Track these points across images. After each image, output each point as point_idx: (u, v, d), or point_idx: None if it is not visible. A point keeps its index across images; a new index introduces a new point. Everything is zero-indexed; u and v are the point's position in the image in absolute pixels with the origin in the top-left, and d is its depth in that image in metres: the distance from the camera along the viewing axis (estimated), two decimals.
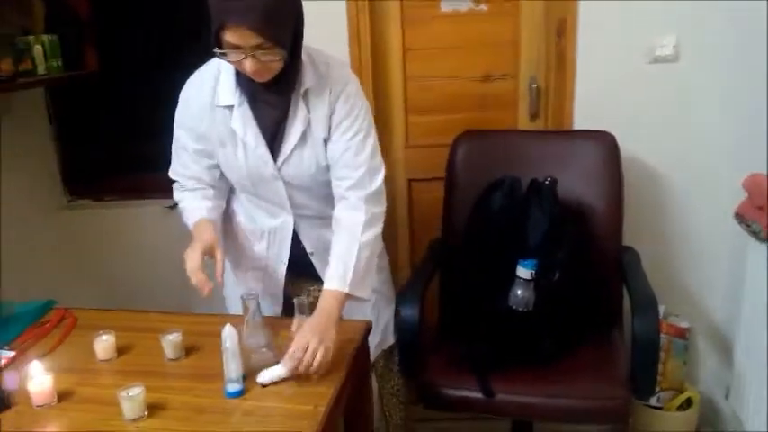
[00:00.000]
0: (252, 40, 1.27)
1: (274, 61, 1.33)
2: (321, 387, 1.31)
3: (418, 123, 2.35)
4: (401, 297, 1.76)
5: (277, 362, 1.34)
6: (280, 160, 1.49)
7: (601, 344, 1.84)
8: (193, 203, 1.58)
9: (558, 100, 2.20)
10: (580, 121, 2.16)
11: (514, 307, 1.61)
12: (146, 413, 1.24)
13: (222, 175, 1.60)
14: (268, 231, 1.63)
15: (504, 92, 2.29)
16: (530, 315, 1.63)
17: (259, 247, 1.65)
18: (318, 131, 1.48)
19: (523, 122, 2.30)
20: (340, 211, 1.50)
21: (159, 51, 2.36)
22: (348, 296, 1.43)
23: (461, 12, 2.23)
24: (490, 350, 1.65)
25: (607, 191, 1.94)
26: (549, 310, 1.63)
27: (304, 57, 1.45)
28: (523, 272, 1.59)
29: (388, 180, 2.35)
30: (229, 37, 1.27)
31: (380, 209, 1.53)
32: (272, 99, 1.45)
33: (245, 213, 1.66)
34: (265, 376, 1.32)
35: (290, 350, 1.31)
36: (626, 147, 2.00)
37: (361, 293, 1.47)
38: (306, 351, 1.30)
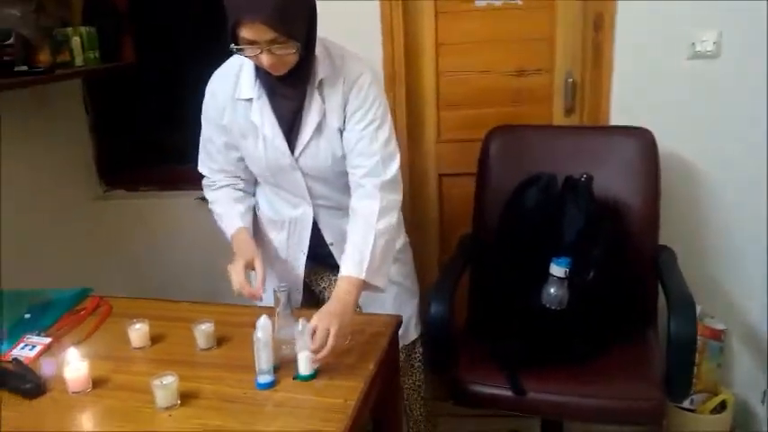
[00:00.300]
0: (266, 34, 1.30)
1: (289, 54, 1.36)
2: (351, 381, 1.30)
3: (450, 118, 2.33)
4: (431, 293, 1.75)
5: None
6: (297, 151, 1.53)
7: (635, 344, 1.80)
8: (227, 209, 1.64)
9: (594, 95, 2.16)
10: (616, 117, 2.12)
11: (547, 305, 1.59)
12: (178, 402, 1.25)
13: (247, 167, 1.64)
14: (289, 221, 1.66)
15: (538, 87, 2.26)
16: (563, 314, 1.60)
17: (280, 237, 1.69)
18: (333, 122, 1.51)
19: (558, 118, 2.27)
20: (356, 200, 1.53)
21: (195, 43, 2.38)
22: (364, 284, 1.44)
23: (496, 6, 2.20)
24: (522, 348, 1.63)
25: (644, 188, 1.90)
26: (582, 309, 1.61)
27: (319, 49, 1.48)
28: (557, 270, 1.56)
29: (419, 174, 2.38)
30: (245, 33, 1.31)
31: (396, 196, 1.55)
32: (288, 91, 1.48)
33: (268, 204, 1.69)
34: (302, 366, 1.31)
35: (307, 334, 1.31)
36: (663, 143, 1.95)
37: (377, 282, 1.47)
38: (321, 334, 1.32)
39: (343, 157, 1.53)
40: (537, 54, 2.23)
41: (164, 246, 2.47)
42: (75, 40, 1.97)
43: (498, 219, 1.79)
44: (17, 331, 1.55)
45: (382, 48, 2.19)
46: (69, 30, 1.96)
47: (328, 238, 1.65)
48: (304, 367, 1.31)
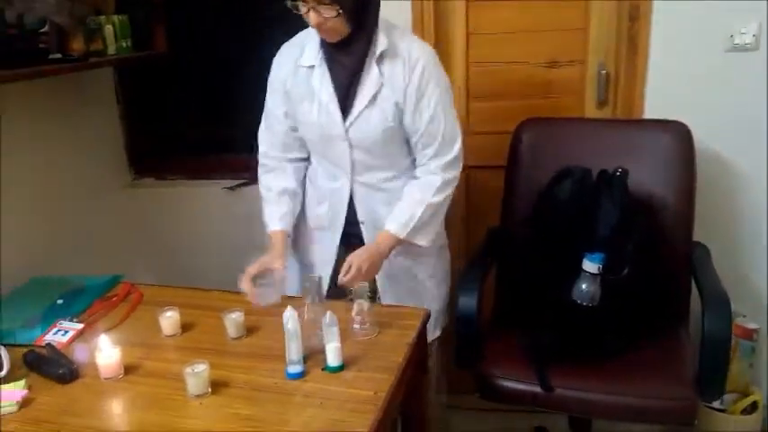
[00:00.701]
0: None
1: (332, 17, 1.44)
2: (381, 373, 1.30)
3: (480, 109, 2.30)
4: (458, 285, 1.73)
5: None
6: (349, 119, 1.59)
7: (666, 342, 1.77)
8: (271, 207, 1.72)
9: (629, 87, 2.12)
10: (651, 110, 2.08)
11: (579, 301, 1.56)
12: (209, 390, 1.26)
13: (302, 142, 1.73)
14: (329, 194, 1.71)
15: (570, 78, 2.22)
16: (593, 310, 1.58)
17: (320, 210, 1.75)
18: (390, 96, 1.57)
19: (590, 110, 2.23)
20: (418, 172, 1.65)
21: (227, 34, 2.39)
22: (403, 241, 1.60)
23: None
24: (551, 343, 1.61)
25: (679, 184, 1.86)
26: (614, 305, 1.58)
27: (384, 27, 1.57)
28: (590, 266, 1.53)
29: None
30: None
31: (456, 173, 1.66)
32: (346, 60, 1.56)
33: (313, 177, 1.76)
34: (331, 357, 1.31)
35: (327, 319, 1.33)
36: (699, 138, 1.91)
37: (419, 241, 1.64)
38: (354, 270, 1.51)
39: (393, 132, 1.60)
40: (569, 45, 2.19)
41: (191, 235, 2.49)
42: (108, 29, 1.97)
43: (530, 211, 1.77)
44: (50, 317, 1.57)
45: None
46: (102, 18, 1.97)
47: (361, 216, 1.69)
48: (333, 358, 1.31)
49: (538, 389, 1.61)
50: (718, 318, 1.55)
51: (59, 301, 1.65)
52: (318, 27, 1.47)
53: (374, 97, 1.56)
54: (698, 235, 1.91)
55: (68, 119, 2.19)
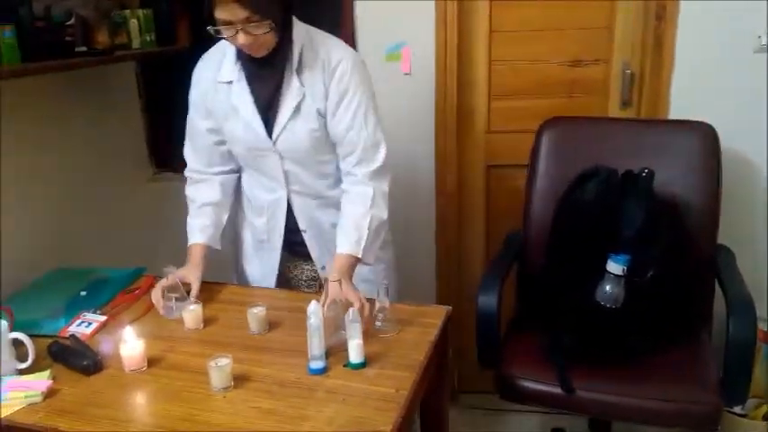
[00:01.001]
0: (240, 14, 1.34)
1: (264, 34, 1.39)
2: (403, 371, 1.29)
3: (501, 108, 2.30)
4: (479, 285, 1.73)
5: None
6: (275, 133, 1.55)
7: (689, 345, 1.76)
8: (193, 220, 1.71)
9: (653, 87, 2.10)
10: (676, 111, 2.06)
11: (602, 303, 1.55)
12: (232, 384, 1.26)
13: (230, 155, 1.68)
14: (267, 206, 1.68)
15: (594, 77, 2.20)
16: (617, 312, 1.56)
17: (260, 222, 1.72)
18: (312, 106, 1.52)
19: (614, 110, 2.21)
20: (348, 185, 1.59)
21: None
22: (357, 261, 1.54)
23: None
24: (573, 344, 1.60)
25: (704, 186, 1.84)
26: (638, 308, 1.56)
27: (300, 33, 1.51)
28: (614, 267, 1.52)
29: (467, 165, 2.35)
30: (220, 13, 1.35)
31: (387, 186, 1.60)
32: (266, 73, 1.51)
33: (249, 189, 1.72)
34: (353, 353, 1.31)
35: (350, 315, 1.31)
36: (724, 139, 1.88)
37: (368, 259, 1.57)
38: (364, 308, 1.41)
39: (321, 142, 1.56)
40: (594, 44, 2.17)
41: None
42: (133, 23, 1.99)
43: (553, 211, 1.75)
44: (74, 308, 1.58)
45: (435, 34, 2.16)
46: (127, 12, 1.98)
47: (302, 225, 1.67)
48: (355, 355, 1.31)
49: (558, 390, 1.60)
50: (744, 321, 1.53)
51: (83, 293, 1.66)
52: (248, 47, 1.42)
53: (297, 108, 1.51)
54: (722, 237, 1.89)
55: (91, 112, 2.21)
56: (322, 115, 1.54)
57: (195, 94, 1.63)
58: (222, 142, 1.66)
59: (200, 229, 1.68)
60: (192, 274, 1.60)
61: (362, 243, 1.52)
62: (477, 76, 2.27)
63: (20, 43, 1.55)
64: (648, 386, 1.58)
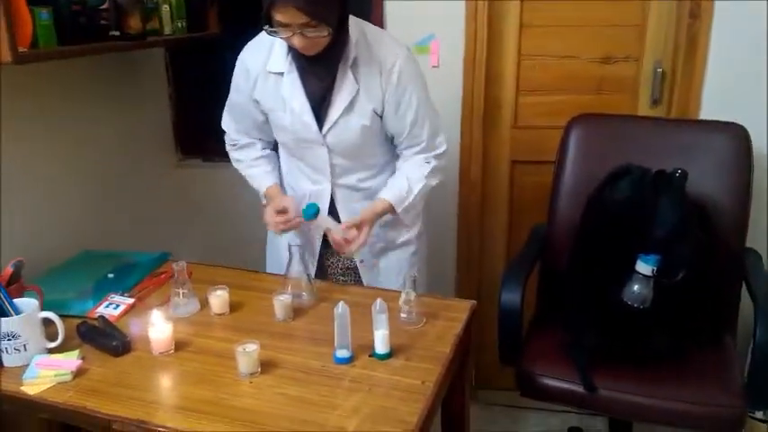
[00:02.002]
0: (299, 18, 1.33)
1: (321, 37, 1.39)
2: (428, 363, 1.30)
3: (529, 103, 2.28)
4: (503, 281, 1.72)
5: None
6: (325, 127, 1.55)
7: (713, 348, 1.74)
8: (255, 171, 1.72)
9: (685, 87, 2.08)
10: (708, 111, 2.04)
11: (629, 303, 1.53)
12: (259, 370, 1.27)
13: (271, 131, 1.69)
14: (308, 196, 1.68)
15: (624, 75, 2.18)
16: (643, 312, 1.55)
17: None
18: (366, 102, 1.53)
19: (643, 109, 2.19)
20: (409, 158, 1.64)
21: None
22: (393, 213, 1.61)
23: None
24: (597, 343, 1.59)
25: (734, 188, 1.81)
26: (664, 308, 1.55)
27: (355, 31, 1.50)
28: (644, 267, 1.50)
29: (492, 160, 2.34)
30: (278, 16, 1.35)
31: (445, 163, 1.67)
32: (320, 70, 1.51)
33: (291, 179, 1.73)
34: (379, 344, 1.32)
35: (377, 306, 1.33)
36: (756, 141, 1.86)
37: (407, 219, 1.66)
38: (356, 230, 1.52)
39: (372, 136, 1.59)
40: (625, 41, 2.15)
41: (236, 216, 2.51)
42: (165, 9, 1.99)
43: (579, 208, 1.74)
44: (101, 290, 1.60)
45: (464, 27, 2.15)
46: None
47: (343, 217, 1.66)
48: (381, 345, 1.32)
49: (581, 389, 1.59)
50: None
51: (110, 275, 1.68)
52: (304, 48, 1.42)
53: (351, 103, 1.52)
54: (750, 241, 1.87)
55: (120, 96, 2.22)
56: (377, 114, 1.55)
57: (241, 79, 1.63)
58: (265, 122, 1.67)
59: (266, 173, 1.71)
60: (283, 200, 1.61)
61: (406, 203, 1.60)
62: (506, 70, 2.25)
63: (56, 26, 1.56)
64: (672, 388, 1.57)
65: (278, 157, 1.77)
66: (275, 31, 1.39)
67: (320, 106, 1.54)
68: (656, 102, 2.16)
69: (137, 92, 2.32)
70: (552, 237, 1.96)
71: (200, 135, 2.55)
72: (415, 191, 1.61)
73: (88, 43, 1.67)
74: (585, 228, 1.68)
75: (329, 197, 1.66)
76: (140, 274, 1.71)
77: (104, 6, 1.76)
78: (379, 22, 2.20)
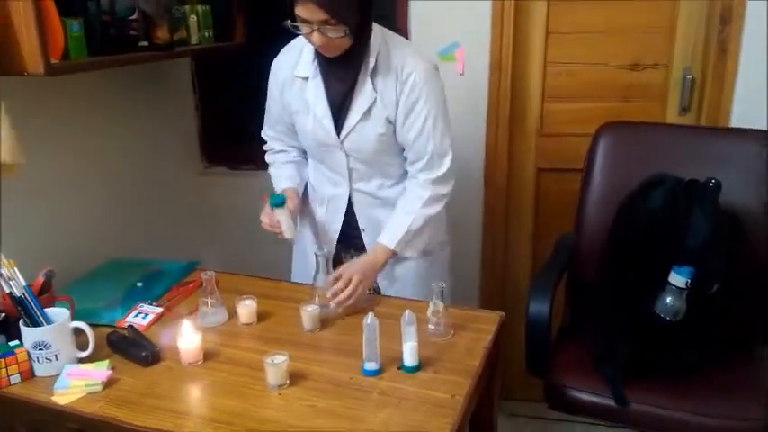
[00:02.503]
0: (318, 15, 1.37)
1: (339, 38, 1.41)
2: (457, 376, 1.29)
3: (555, 111, 2.26)
4: (530, 290, 1.70)
5: None
6: (343, 132, 1.59)
7: (745, 361, 1.70)
8: (279, 171, 1.77)
9: (715, 94, 2.04)
10: (738, 119, 2.00)
11: (662, 315, 1.51)
12: (288, 381, 1.26)
13: None
14: (328, 199, 1.73)
15: (653, 82, 2.15)
16: (675, 325, 1.52)
17: (319, 213, 1.77)
18: (382, 111, 1.55)
19: (672, 116, 2.15)
20: (409, 185, 1.64)
21: None
22: (395, 253, 1.61)
23: None
24: (628, 355, 1.57)
25: (765, 197, 1.77)
26: (699, 321, 1.52)
27: (377, 39, 1.53)
28: (677, 279, 1.47)
29: (517, 167, 2.32)
30: (299, 11, 1.39)
31: (446, 189, 1.64)
32: (341, 74, 1.55)
33: (314, 179, 1.78)
34: (408, 356, 1.31)
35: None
36: None
37: (407, 253, 1.66)
38: (347, 283, 1.51)
39: (389, 144, 1.60)
40: (654, 47, 2.12)
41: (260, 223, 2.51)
42: (192, 19, 2.00)
43: (608, 217, 1.72)
44: (130, 299, 1.61)
45: (490, 35, 2.14)
46: (187, 8, 2.00)
47: (361, 223, 1.71)
48: (410, 358, 1.31)
49: (611, 402, 1.56)
50: None
51: (139, 284, 1.69)
52: (322, 47, 1.45)
53: (368, 111, 1.55)
54: None
55: (147, 105, 2.25)
56: (391, 122, 1.56)
57: (273, 84, 1.69)
58: (295, 126, 1.71)
59: (287, 177, 1.75)
60: (290, 201, 1.64)
61: (396, 240, 1.59)
62: (532, 77, 2.23)
63: (86, 37, 1.58)
64: (704, 402, 1.54)
65: (307, 165, 1.81)
66: (297, 26, 1.42)
67: (340, 111, 1.58)
68: (685, 109, 2.13)
69: (163, 100, 2.34)
70: (580, 246, 1.93)
71: (225, 143, 2.57)
72: (414, 226, 1.60)
73: (118, 54, 1.69)
74: (616, 237, 1.66)
75: (347, 201, 1.70)
76: (168, 282, 1.72)
77: (134, 17, 1.78)
78: (404, 30, 2.19)
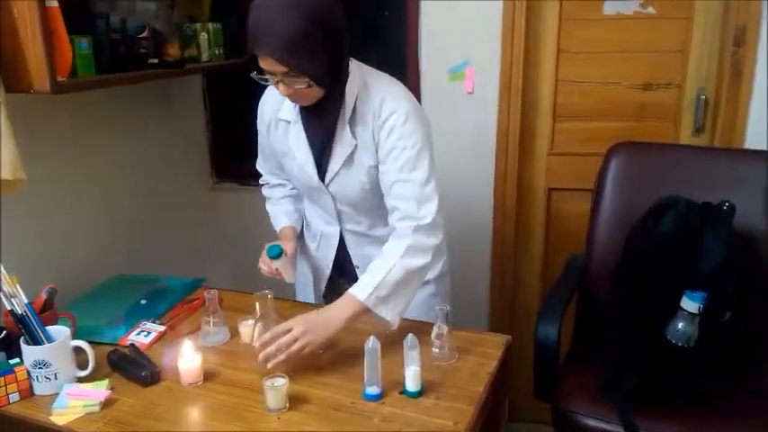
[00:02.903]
0: (278, 67, 1.31)
1: (302, 88, 1.35)
2: (460, 403, 1.26)
3: (566, 130, 2.24)
4: (540, 313, 1.67)
5: None
6: (327, 177, 1.54)
7: (758, 389, 1.65)
8: (276, 209, 1.77)
9: (729, 115, 2.01)
10: (753, 140, 1.96)
11: (673, 341, 1.47)
12: (287, 405, 1.24)
13: None
14: (320, 235, 1.70)
15: (666, 102, 2.12)
16: (687, 351, 1.48)
17: (312, 246, 1.75)
18: (364, 158, 1.49)
19: (685, 137, 2.12)
20: (390, 239, 1.47)
21: None
22: (368, 310, 1.39)
23: (625, 14, 2.09)
24: (637, 381, 1.53)
25: None
26: (710, 347, 1.48)
27: (357, 83, 1.45)
28: (690, 305, 1.44)
29: (527, 187, 2.30)
30: (262, 63, 1.34)
31: (430, 241, 1.44)
32: (319, 121, 1.49)
33: (308, 215, 1.76)
34: (410, 381, 1.28)
35: (409, 342, 1.28)
36: None
37: (383, 313, 1.40)
38: (288, 338, 1.32)
39: (374, 188, 1.51)
40: (667, 67, 2.10)
41: (269, 240, 2.50)
42: (203, 36, 2.01)
43: (620, 239, 1.68)
44: (134, 316, 1.61)
45: (501, 53, 2.13)
46: (198, 25, 2.01)
47: (355, 261, 1.67)
48: (412, 383, 1.28)
49: (620, 429, 1.52)
50: None
51: (143, 302, 1.68)
52: (291, 97, 1.39)
53: (350, 157, 1.48)
54: None
55: (157, 120, 2.26)
56: (375, 167, 1.49)
57: (260, 124, 1.66)
58: None
59: (285, 213, 1.75)
60: (287, 244, 1.63)
61: (368, 292, 1.37)
62: (542, 96, 2.22)
63: (95, 55, 1.59)
64: (716, 430, 1.50)
65: (301, 206, 1.79)
66: (264, 78, 1.37)
67: (322, 156, 1.53)
68: (698, 130, 2.10)
69: (173, 116, 2.35)
70: (591, 268, 1.90)
71: (235, 159, 2.58)
72: (391, 277, 1.39)
73: (127, 72, 1.70)
74: (627, 260, 1.62)
75: (338, 239, 1.66)
76: (173, 299, 1.71)
77: (143, 35, 1.79)
78: (414, 49, 2.19)
